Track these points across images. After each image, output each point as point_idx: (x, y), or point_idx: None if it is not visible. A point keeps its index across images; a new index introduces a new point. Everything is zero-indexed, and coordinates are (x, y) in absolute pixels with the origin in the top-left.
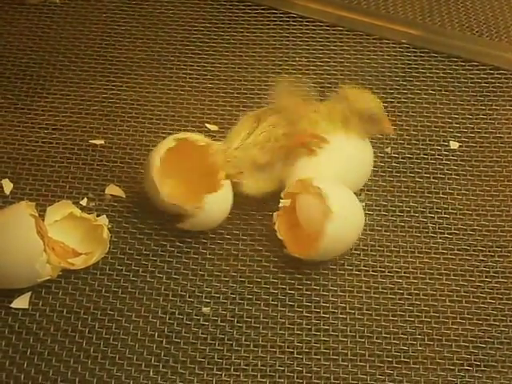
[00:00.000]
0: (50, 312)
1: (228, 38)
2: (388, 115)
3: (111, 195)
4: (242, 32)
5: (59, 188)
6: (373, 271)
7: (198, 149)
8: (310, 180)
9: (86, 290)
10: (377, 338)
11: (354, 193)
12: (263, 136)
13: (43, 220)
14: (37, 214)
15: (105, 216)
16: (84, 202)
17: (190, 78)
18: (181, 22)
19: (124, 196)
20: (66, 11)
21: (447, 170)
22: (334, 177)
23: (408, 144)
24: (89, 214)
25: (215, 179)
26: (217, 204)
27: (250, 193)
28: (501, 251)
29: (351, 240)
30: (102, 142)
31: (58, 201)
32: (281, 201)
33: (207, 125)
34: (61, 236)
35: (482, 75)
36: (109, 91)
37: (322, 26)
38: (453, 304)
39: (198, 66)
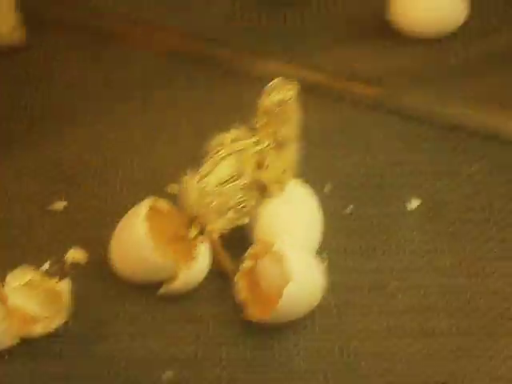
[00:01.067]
0: (9, 381)
1: (186, 97)
2: (348, 173)
3: (72, 258)
4: (201, 92)
5: (20, 253)
6: (332, 332)
7: (170, 215)
8: (271, 242)
9: (46, 356)
10: None
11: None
12: (246, 183)
13: (3, 286)
14: None
15: (66, 280)
16: (45, 267)
17: (151, 139)
18: (140, 82)
19: (86, 260)
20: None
21: (406, 228)
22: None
23: (369, 203)
24: (50, 278)
25: (191, 245)
26: (195, 270)
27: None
28: (460, 310)
29: (311, 302)
30: (64, 204)
31: (20, 266)
32: (243, 262)
33: (168, 188)
34: (21, 302)
35: (441, 133)
36: (71, 153)
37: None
38: (407, 365)
39: (155, 126)
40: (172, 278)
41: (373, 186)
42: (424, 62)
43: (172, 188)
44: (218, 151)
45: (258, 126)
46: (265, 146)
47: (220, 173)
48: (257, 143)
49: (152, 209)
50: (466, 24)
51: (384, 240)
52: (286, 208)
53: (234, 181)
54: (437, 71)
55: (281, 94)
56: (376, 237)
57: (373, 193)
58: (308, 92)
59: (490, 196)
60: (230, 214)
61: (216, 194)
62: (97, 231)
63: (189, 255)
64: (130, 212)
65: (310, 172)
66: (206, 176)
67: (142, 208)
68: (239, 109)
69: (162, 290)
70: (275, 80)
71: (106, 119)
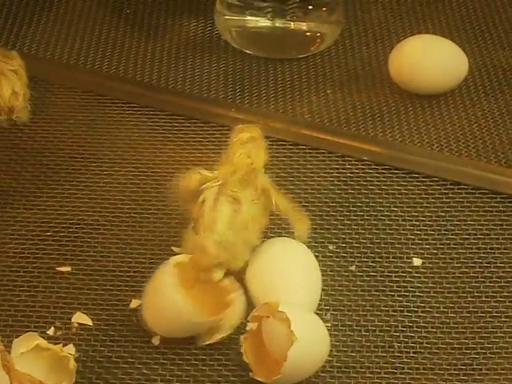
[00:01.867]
0: None
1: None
2: (352, 233)
3: (78, 323)
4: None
5: (26, 318)
6: None
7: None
8: (276, 304)
9: None
10: None
11: (319, 312)
12: (248, 216)
13: (9, 353)
14: (3, 347)
15: (71, 345)
16: (51, 332)
17: (155, 200)
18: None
19: (91, 324)
20: (29, 135)
21: (411, 287)
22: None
23: (372, 262)
24: (55, 343)
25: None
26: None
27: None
28: (465, 369)
29: (316, 364)
30: (69, 268)
31: (26, 331)
32: (247, 324)
33: (173, 248)
34: (28, 368)
35: (443, 190)
36: (75, 217)
37: (285, 144)
38: None
39: (158, 185)
40: (209, 328)
41: (376, 243)
42: (425, 118)
43: (176, 249)
44: (204, 199)
45: (232, 158)
46: (243, 172)
47: (222, 215)
48: (234, 172)
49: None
50: (465, 80)
51: (387, 299)
52: (284, 267)
53: (236, 213)
54: (439, 127)
55: (249, 132)
56: (379, 296)
57: (376, 250)
58: (311, 149)
59: (496, 252)
60: (248, 243)
61: (229, 234)
62: (99, 295)
63: (222, 303)
64: (159, 269)
65: (313, 231)
66: (211, 225)
67: (170, 266)
68: None
69: (199, 342)
70: (242, 125)
71: (109, 180)
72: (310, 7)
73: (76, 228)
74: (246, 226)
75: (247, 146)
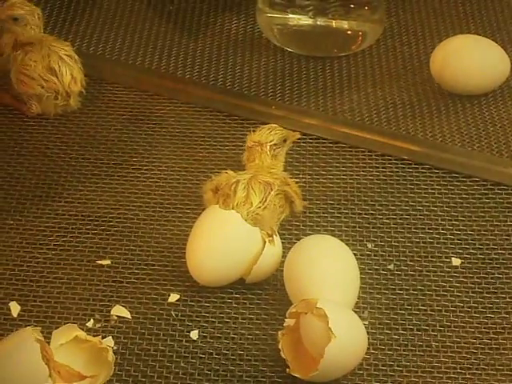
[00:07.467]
0: None
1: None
2: (391, 232)
3: (117, 316)
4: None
5: (66, 310)
6: None
7: None
8: (314, 301)
9: None
10: None
11: (357, 310)
12: (278, 198)
13: (49, 344)
14: (42, 339)
15: (110, 338)
16: (90, 324)
17: (195, 196)
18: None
19: (130, 317)
20: (72, 130)
21: (450, 287)
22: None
23: (411, 261)
24: (94, 335)
25: None
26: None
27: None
28: (503, 370)
29: (354, 361)
30: (109, 262)
31: (65, 323)
32: (285, 320)
33: None
34: (66, 359)
35: (483, 191)
36: (116, 211)
37: (325, 142)
38: None
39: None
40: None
41: (415, 242)
42: (466, 118)
43: None
44: (238, 180)
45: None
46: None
47: (255, 193)
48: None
49: None
50: (507, 81)
51: (425, 298)
52: (323, 264)
53: (267, 193)
54: (480, 127)
55: (270, 137)
56: (417, 295)
57: (415, 249)
58: (351, 148)
59: None
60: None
61: (260, 209)
62: (138, 289)
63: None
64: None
65: (352, 230)
66: (245, 200)
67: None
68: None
69: (249, 279)
70: (268, 125)
71: (149, 175)
72: (352, 6)
73: (116, 222)
74: (276, 206)
75: (265, 150)
